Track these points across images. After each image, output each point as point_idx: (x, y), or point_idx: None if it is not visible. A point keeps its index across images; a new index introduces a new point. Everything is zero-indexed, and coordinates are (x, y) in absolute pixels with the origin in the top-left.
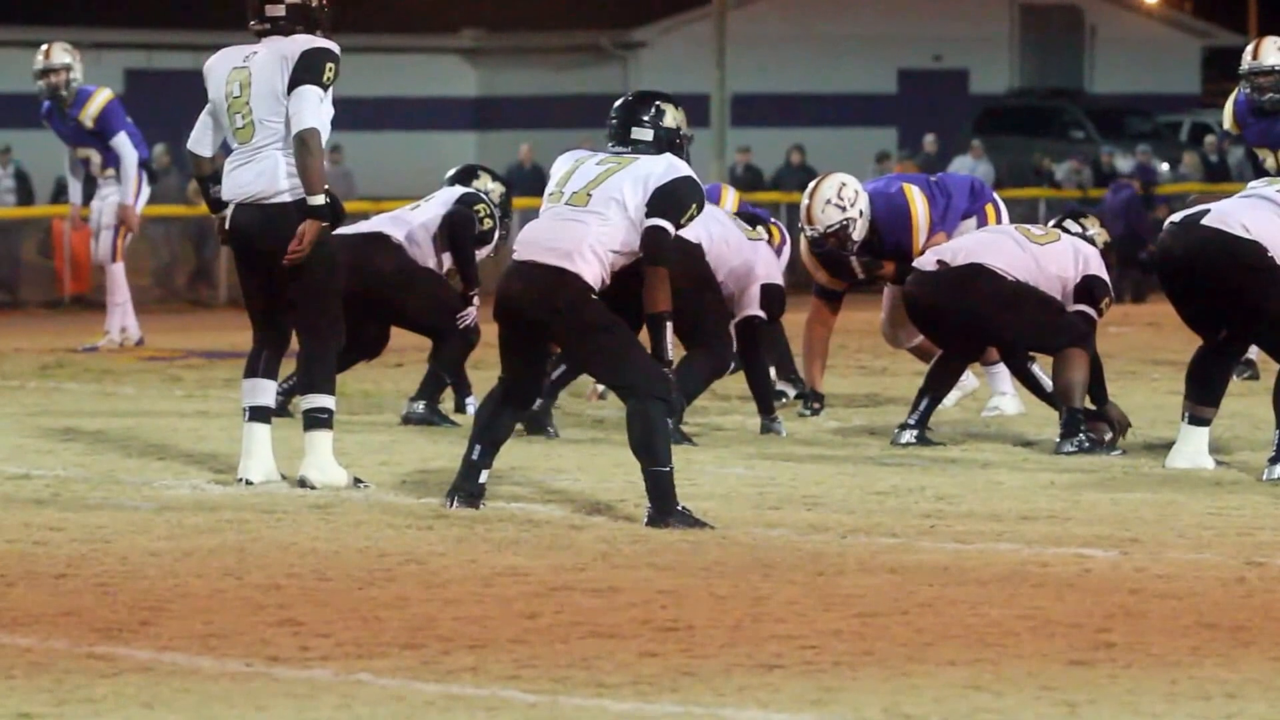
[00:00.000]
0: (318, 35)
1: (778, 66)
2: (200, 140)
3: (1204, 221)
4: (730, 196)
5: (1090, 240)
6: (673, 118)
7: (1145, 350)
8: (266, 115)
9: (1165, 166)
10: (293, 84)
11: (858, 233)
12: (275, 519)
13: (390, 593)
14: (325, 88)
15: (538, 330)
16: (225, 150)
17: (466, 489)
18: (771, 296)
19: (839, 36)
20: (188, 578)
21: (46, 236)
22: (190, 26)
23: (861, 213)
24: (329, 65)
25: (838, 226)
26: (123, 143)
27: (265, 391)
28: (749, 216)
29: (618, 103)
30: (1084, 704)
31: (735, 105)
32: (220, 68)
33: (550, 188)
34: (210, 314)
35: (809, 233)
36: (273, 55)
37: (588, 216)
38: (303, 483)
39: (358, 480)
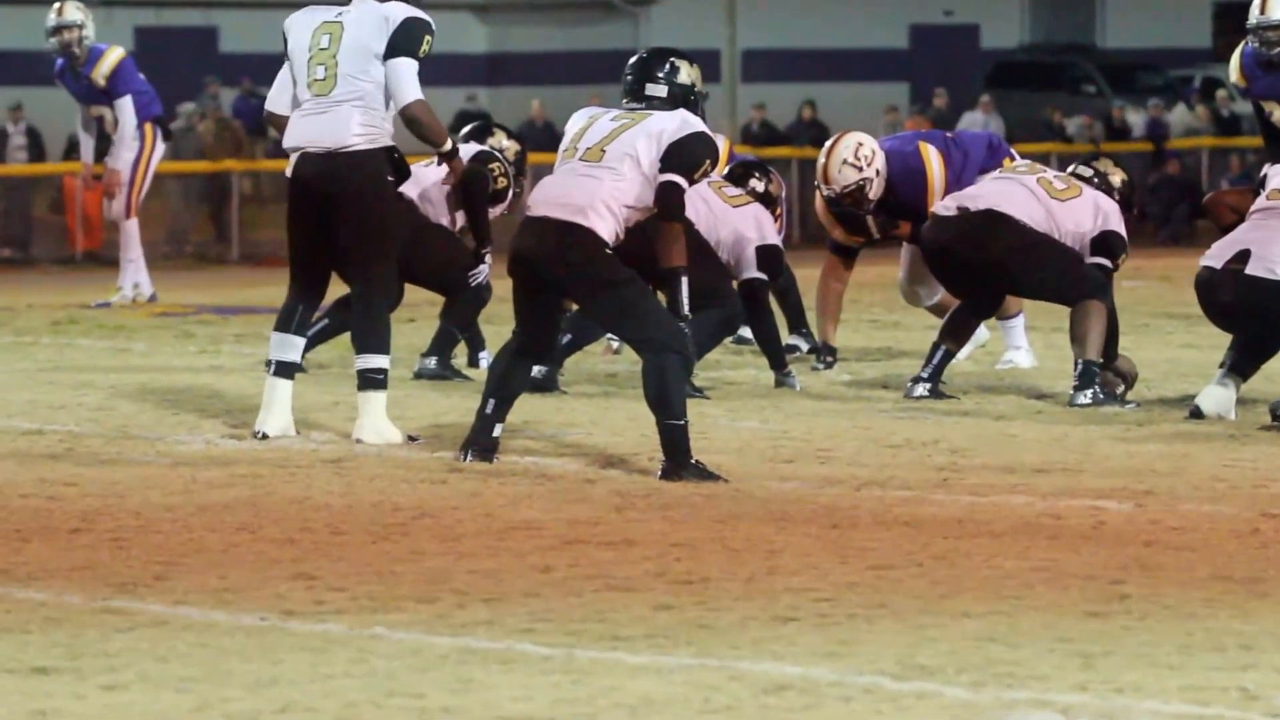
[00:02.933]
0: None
1: (788, 21)
2: (278, 100)
3: None
4: (721, 144)
5: (1108, 183)
6: (687, 74)
7: (1158, 304)
8: (353, 70)
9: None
10: (390, 51)
11: (874, 192)
12: (289, 473)
13: (405, 547)
14: (420, 61)
15: (552, 286)
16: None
17: (481, 443)
18: (768, 256)
19: None
20: (202, 532)
21: (58, 193)
22: None
23: (878, 172)
24: (427, 38)
25: (854, 186)
26: (125, 106)
27: (294, 347)
28: (741, 167)
29: (632, 59)
30: (1099, 656)
31: (746, 61)
32: (305, 21)
33: (564, 144)
34: (223, 270)
35: (825, 192)
36: (372, 14)
37: (601, 172)
38: (359, 443)
39: (411, 436)
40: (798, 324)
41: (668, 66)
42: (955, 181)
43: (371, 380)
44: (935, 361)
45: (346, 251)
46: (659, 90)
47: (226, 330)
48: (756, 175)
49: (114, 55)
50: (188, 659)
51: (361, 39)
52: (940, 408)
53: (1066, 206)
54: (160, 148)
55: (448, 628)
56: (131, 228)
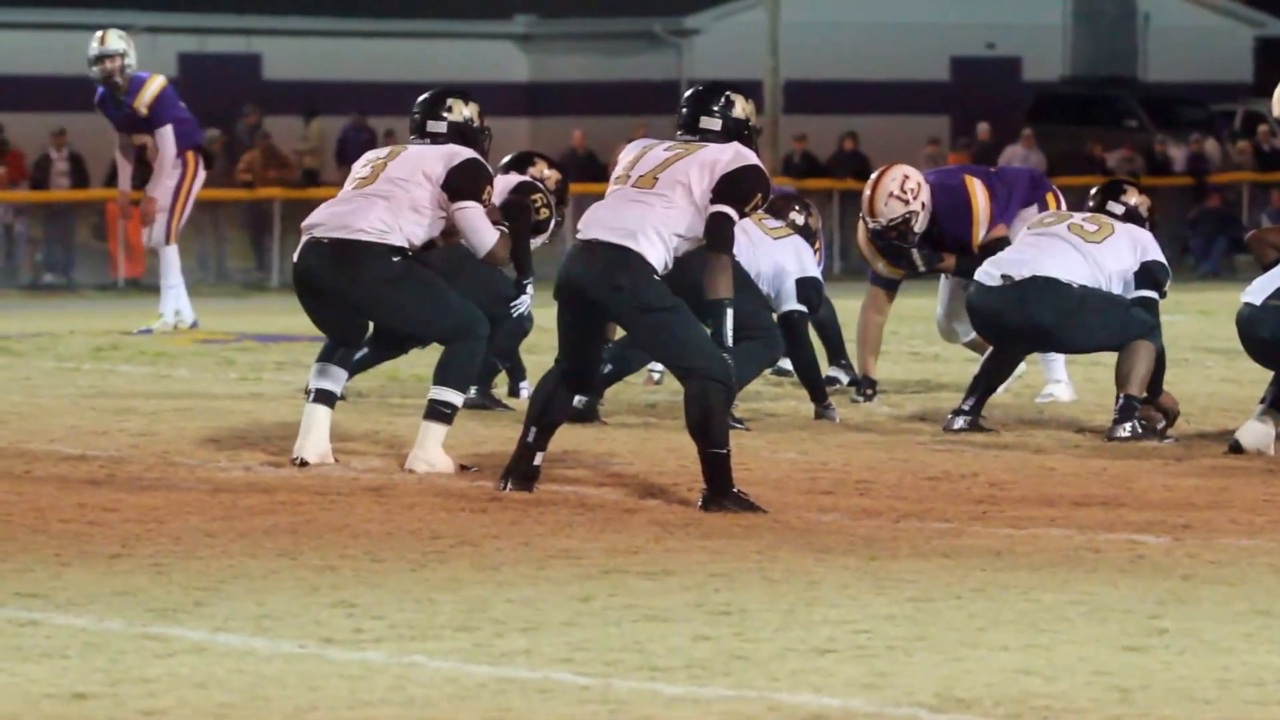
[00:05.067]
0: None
1: (830, 53)
2: None
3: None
4: None
5: (1138, 215)
6: (742, 108)
7: (1198, 338)
8: (399, 174)
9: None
10: (455, 189)
11: (919, 225)
12: (329, 501)
13: (443, 575)
14: (484, 205)
15: (599, 310)
16: None
17: (521, 471)
18: (808, 289)
19: (892, 23)
20: (242, 559)
21: (101, 219)
22: (243, 10)
23: (924, 205)
24: (488, 187)
25: (900, 219)
26: (166, 135)
27: (335, 377)
28: (780, 199)
29: (688, 92)
30: (1136, 689)
31: (788, 92)
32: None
33: (617, 172)
34: (264, 297)
35: (871, 225)
36: (430, 148)
37: (653, 198)
38: (410, 472)
39: (464, 466)
40: (837, 356)
41: (723, 100)
42: (1000, 214)
43: (437, 412)
44: (976, 395)
45: (395, 330)
46: (713, 123)
47: (267, 357)
48: (796, 208)
49: (156, 84)
50: (227, 685)
51: (417, 156)
52: (979, 441)
53: (1104, 248)
54: (201, 175)
55: (486, 657)
56: (171, 254)
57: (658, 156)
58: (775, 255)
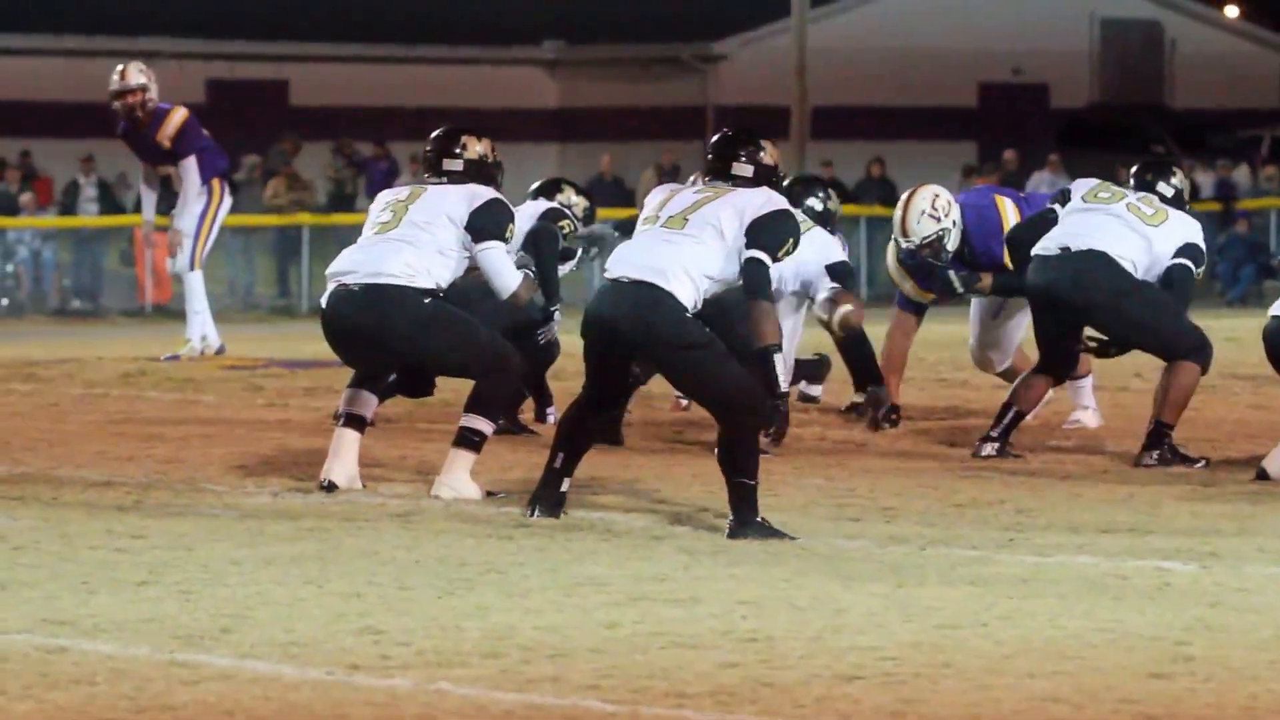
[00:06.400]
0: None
1: (857, 79)
2: None
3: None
4: None
5: (1181, 195)
6: (770, 155)
7: (1225, 365)
8: (422, 218)
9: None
10: (479, 230)
11: (951, 243)
12: (356, 527)
13: (470, 602)
14: (507, 243)
15: (628, 347)
16: None
17: (548, 497)
18: (839, 271)
19: (919, 49)
20: (269, 585)
21: (129, 245)
22: (272, 37)
23: (955, 223)
24: (510, 226)
25: (934, 237)
26: (190, 166)
27: (365, 403)
28: (799, 183)
29: (715, 138)
30: (1163, 717)
31: (815, 118)
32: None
33: (646, 214)
34: (292, 323)
35: (904, 244)
36: (451, 189)
37: (682, 239)
38: (435, 498)
39: (490, 492)
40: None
41: (752, 146)
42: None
43: (466, 439)
44: (1005, 422)
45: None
46: (744, 170)
47: (295, 383)
48: (817, 194)
49: (178, 116)
50: (253, 712)
51: (440, 197)
52: (1006, 467)
53: (1160, 232)
54: (227, 202)
55: (513, 684)
56: (196, 280)
57: (687, 199)
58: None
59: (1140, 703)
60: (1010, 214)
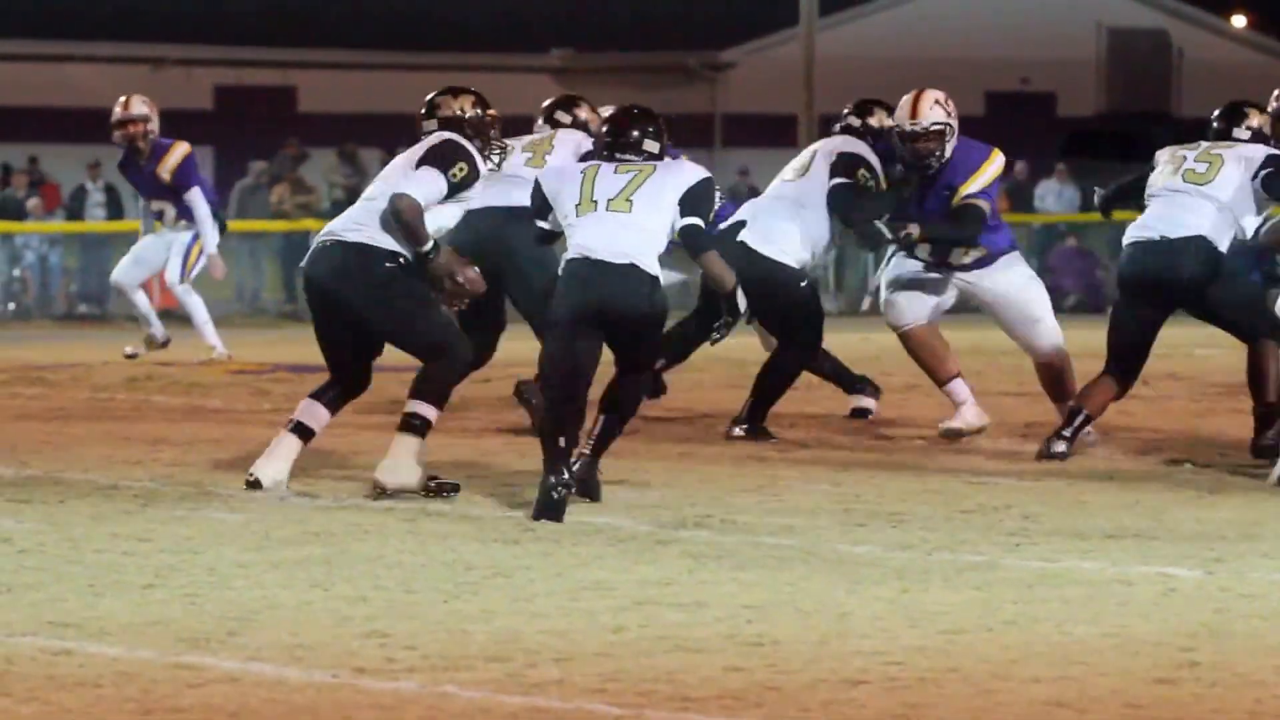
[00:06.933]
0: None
1: (865, 88)
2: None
3: None
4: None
5: (1261, 133)
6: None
7: (1232, 371)
8: (386, 175)
9: None
10: (421, 160)
11: (948, 147)
12: (362, 531)
13: (476, 606)
14: (450, 180)
15: (612, 327)
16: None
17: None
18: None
19: (926, 58)
20: (275, 589)
21: None
22: (279, 43)
23: (955, 131)
24: (463, 163)
25: (938, 129)
26: (197, 195)
27: (317, 416)
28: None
29: (616, 114)
30: None
31: (823, 126)
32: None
33: (575, 199)
34: (298, 328)
35: (909, 126)
36: (418, 146)
37: (636, 220)
38: (375, 485)
39: (442, 487)
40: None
41: (652, 123)
42: (994, 193)
43: (409, 423)
44: (1075, 424)
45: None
46: (652, 146)
47: (301, 388)
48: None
49: (179, 151)
50: (259, 715)
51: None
52: (1013, 472)
53: (1216, 184)
54: (216, 237)
55: (519, 687)
56: (186, 293)
57: (617, 180)
58: None
59: (1145, 708)
60: (997, 161)
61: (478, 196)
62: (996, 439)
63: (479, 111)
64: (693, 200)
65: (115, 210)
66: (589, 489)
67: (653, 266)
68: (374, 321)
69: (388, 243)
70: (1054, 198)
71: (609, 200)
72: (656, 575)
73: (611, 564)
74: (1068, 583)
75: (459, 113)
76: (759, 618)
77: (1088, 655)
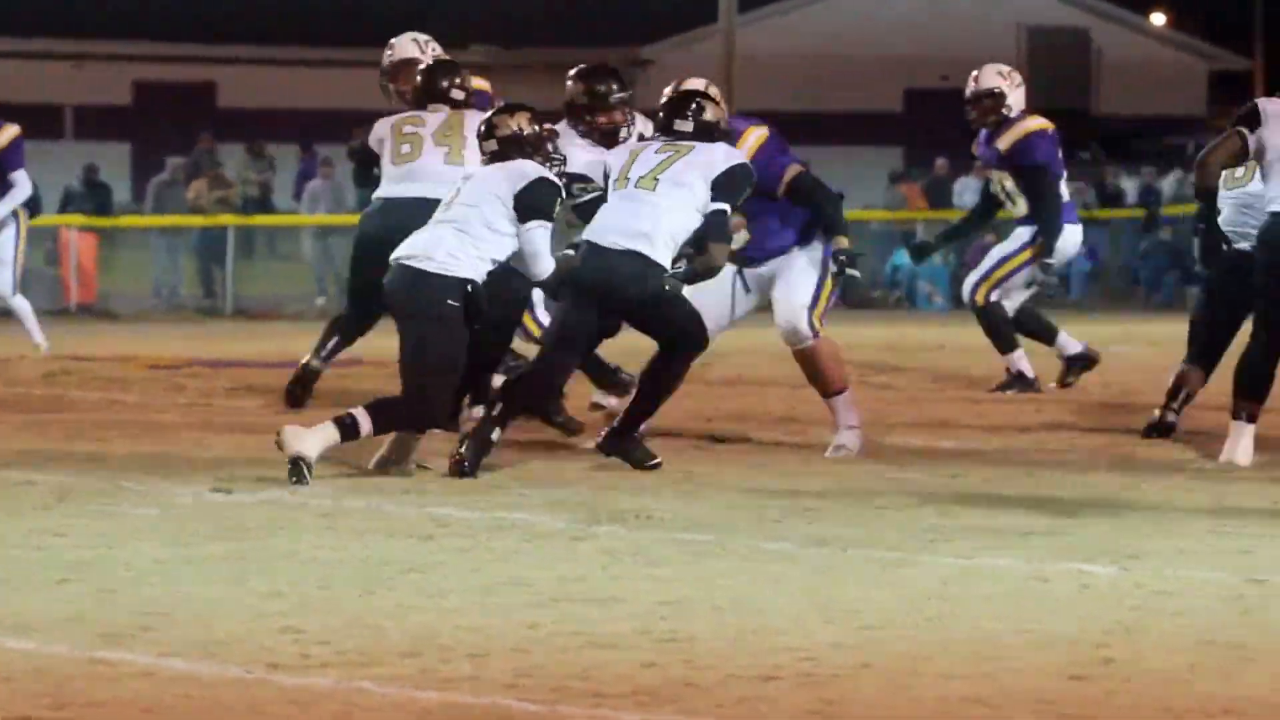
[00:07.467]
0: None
1: (785, 85)
2: None
3: None
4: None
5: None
6: (712, 113)
7: (1148, 371)
8: (469, 200)
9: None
10: (525, 210)
11: (1013, 108)
12: (277, 527)
13: (391, 601)
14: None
15: (614, 312)
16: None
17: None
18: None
19: (846, 56)
20: (190, 584)
21: (54, 245)
22: (200, 39)
23: (1016, 103)
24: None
25: (996, 91)
26: (23, 178)
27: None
28: None
29: (669, 96)
30: (1081, 719)
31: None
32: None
33: (614, 175)
34: (216, 323)
35: (969, 89)
36: (501, 169)
37: (658, 200)
38: (276, 434)
39: (298, 458)
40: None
41: (694, 104)
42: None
43: (343, 421)
44: (1180, 398)
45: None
46: (685, 126)
47: (217, 383)
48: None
49: (9, 131)
50: (173, 710)
51: (489, 180)
52: (926, 469)
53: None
54: (25, 222)
55: (433, 683)
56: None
57: (651, 160)
58: None
59: (1059, 704)
60: (756, 134)
61: (398, 185)
62: (911, 435)
63: (535, 128)
64: (722, 185)
65: (31, 206)
66: (632, 456)
67: (659, 249)
68: (406, 339)
69: (461, 270)
70: (973, 194)
71: (639, 179)
72: (572, 572)
73: (527, 560)
74: (984, 579)
75: (518, 130)
76: (674, 614)
77: (1003, 651)
